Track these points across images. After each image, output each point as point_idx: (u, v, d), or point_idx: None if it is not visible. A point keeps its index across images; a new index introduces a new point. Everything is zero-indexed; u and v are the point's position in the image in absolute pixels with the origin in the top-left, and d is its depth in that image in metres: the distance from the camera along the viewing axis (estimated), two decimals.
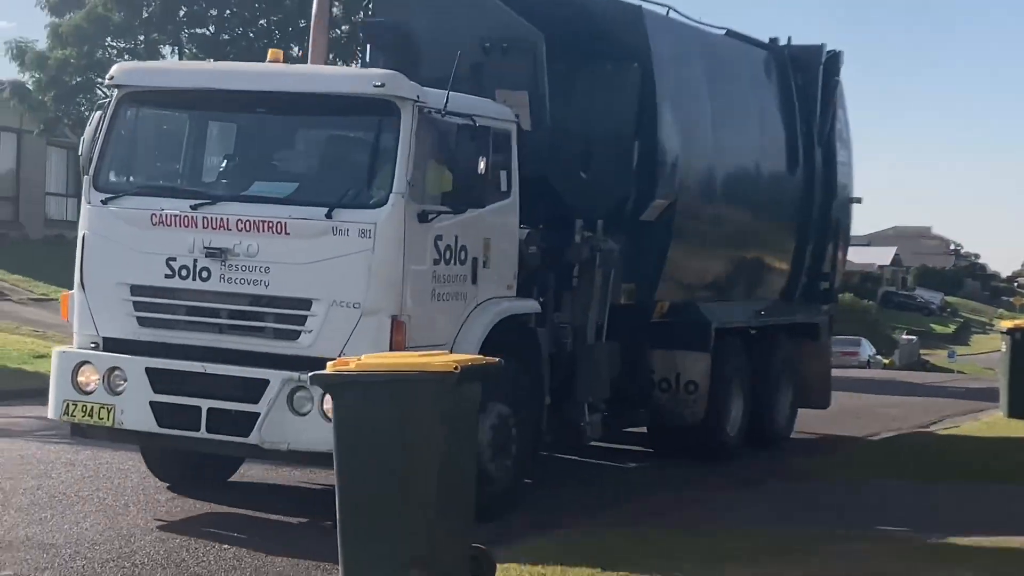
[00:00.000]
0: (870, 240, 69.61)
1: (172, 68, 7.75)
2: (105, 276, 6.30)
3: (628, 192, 8.07)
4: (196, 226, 6.05)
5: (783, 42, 10.43)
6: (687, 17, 9.27)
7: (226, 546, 5.75)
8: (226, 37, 22.78)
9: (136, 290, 6.19)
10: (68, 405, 6.24)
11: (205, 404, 5.96)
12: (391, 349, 5.64)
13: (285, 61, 7.81)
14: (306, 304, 5.91)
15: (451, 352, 5.74)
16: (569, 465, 8.69)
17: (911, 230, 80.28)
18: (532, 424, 6.88)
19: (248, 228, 5.96)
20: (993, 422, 13.21)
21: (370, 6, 16.53)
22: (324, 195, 6.09)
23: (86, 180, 6.57)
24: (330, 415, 4.94)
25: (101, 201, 6.36)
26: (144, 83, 6.68)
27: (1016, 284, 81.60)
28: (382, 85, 5.94)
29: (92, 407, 6.16)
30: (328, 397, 5.00)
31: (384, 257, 5.82)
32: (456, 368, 4.23)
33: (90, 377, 6.21)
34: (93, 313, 6.35)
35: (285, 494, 7.34)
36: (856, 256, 40.98)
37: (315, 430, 5.58)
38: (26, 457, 7.90)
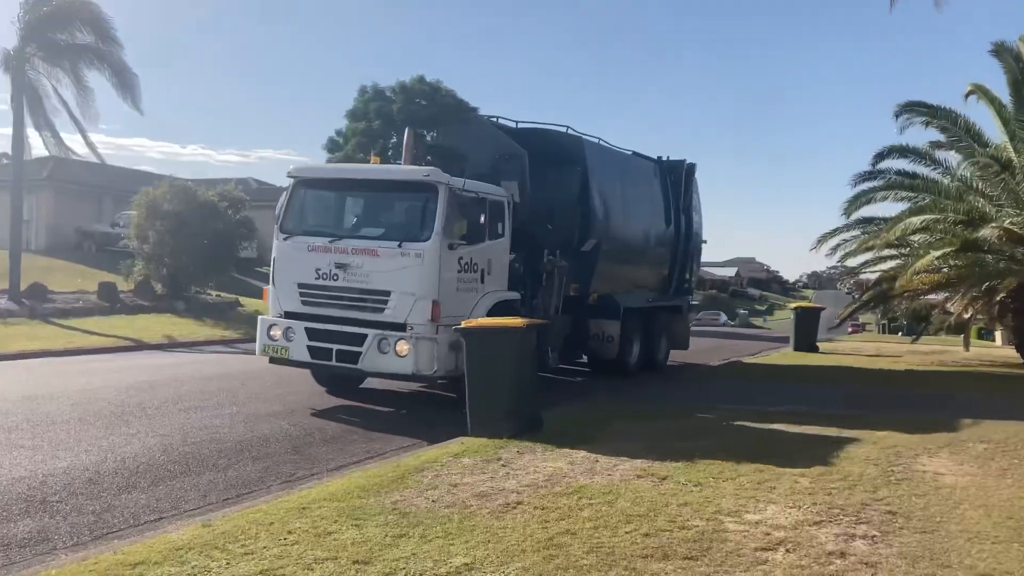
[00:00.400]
0: (725, 263, 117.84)
1: (321, 166, 12.06)
2: (285, 278, 11.21)
3: (573, 235, 13.96)
4: (331, 251, 10.83)
5: (664, 158, 17.45)
6: (610, 144, 15.72)
7: (346, 424, 10.21)
8: None
9: (301, 286, 11.02)
10: (265, 346, 11.23)
11: (335, 347, 10.71)
12: (431, 319, 10.30)
13: (382, 162, 13.42)
14: (387, 294, 10.54)
15: (469, 318, 10.33)
16: (545, 379, 13.13)
17: (745, 258, 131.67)
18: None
19: (357, 252, 10.71)
20: (786, 353, 20.81)
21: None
22: (398, 235, 10.78)
23: (276, 227, 11.39)
24: (401, 354, 10.23)
25: (283, 238, 11.30)
26: (305, 175, 11.85)
27: (798, 284, 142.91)
28: (428, 175, 10.82)
29: (278, 347, 11.09)
30: (400, 342, 10.28)
31: (428, 268, 10.46)
32: (524, 325, 9.16)
33: (276, 332, 11.09)
34: (279, 298, 11.24)
35: (386, 396, 12.52)
36: (717, 271, 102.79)
37: (391, 362, 10.42)
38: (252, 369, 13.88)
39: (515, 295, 11.99)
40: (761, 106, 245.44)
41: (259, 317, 11.54)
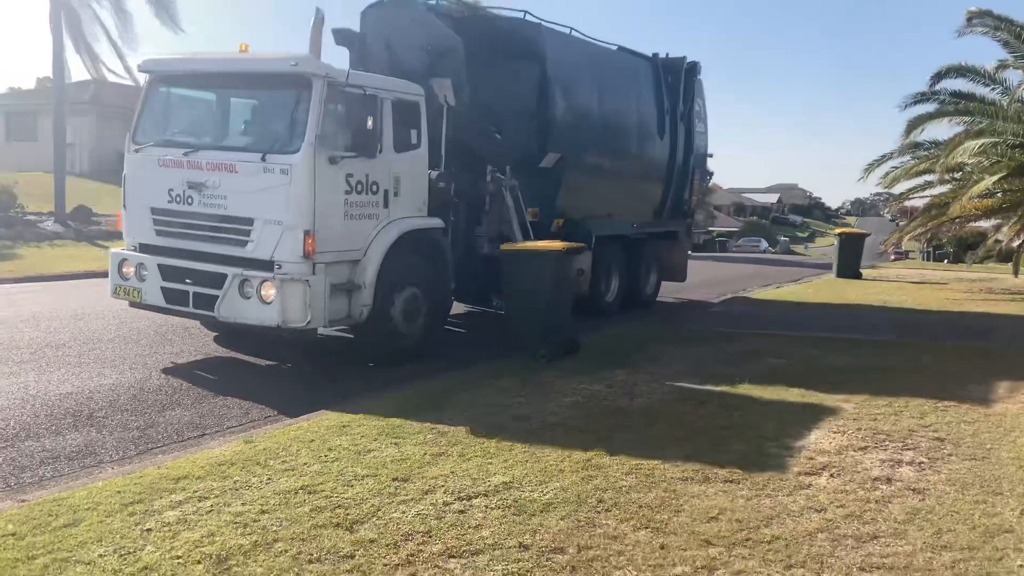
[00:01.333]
0: (766, 189, 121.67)
1: (175, 58, 9.15)
2: (137, 202, 8.70)
3: (530, 147, 11.20)
4: (183, 167, 8.21)
5: (662, 56, 14.40)
6: (585, 36, 12.66)
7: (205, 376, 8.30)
8: None
9: (154, 211, 8.49)
10: (117, 287, 8.78)
11: (191, 289, 8.20)
12: (304, 255, 7.72)
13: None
14: (249, 222, 7.91)
15: (365, 253, 8.33)
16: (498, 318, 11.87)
17: (787, 184, 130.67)
18: (438, 301, 9.38)
19: (213, 168, 8.05)
20: (829, 280, 20.71)
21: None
22: (263, 145, 8.03)
23: (128, 136, 8.87)
24: (266, 300, 7.71)
25: (134, 150, 8.72)
26: (158, 69, 8.98)
27: (841, 211, 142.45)
28: (295, 64, 7.95)
29: (130, 288, 8.64)
30: (266, 284, 7.71)
31: (297, 189, 7.73)
32: (564, 249, 9.02)
33: (127, 269, 8.66)
34: (131, 226, 8.79)
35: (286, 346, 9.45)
36: (758, 197, 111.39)
37: (254, 309, 7.85)
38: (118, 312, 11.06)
39: (435, 222, 9.40)
40: (811, 22, 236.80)
41: (111, 251, 9.14)
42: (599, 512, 4.68)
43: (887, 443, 6.15)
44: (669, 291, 15.87)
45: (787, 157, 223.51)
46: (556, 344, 9.04)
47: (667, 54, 14.48)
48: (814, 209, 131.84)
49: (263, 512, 4.53)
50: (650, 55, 14.26)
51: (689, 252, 16.04)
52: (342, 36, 10.40)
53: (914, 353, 9.98)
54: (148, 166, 8.51)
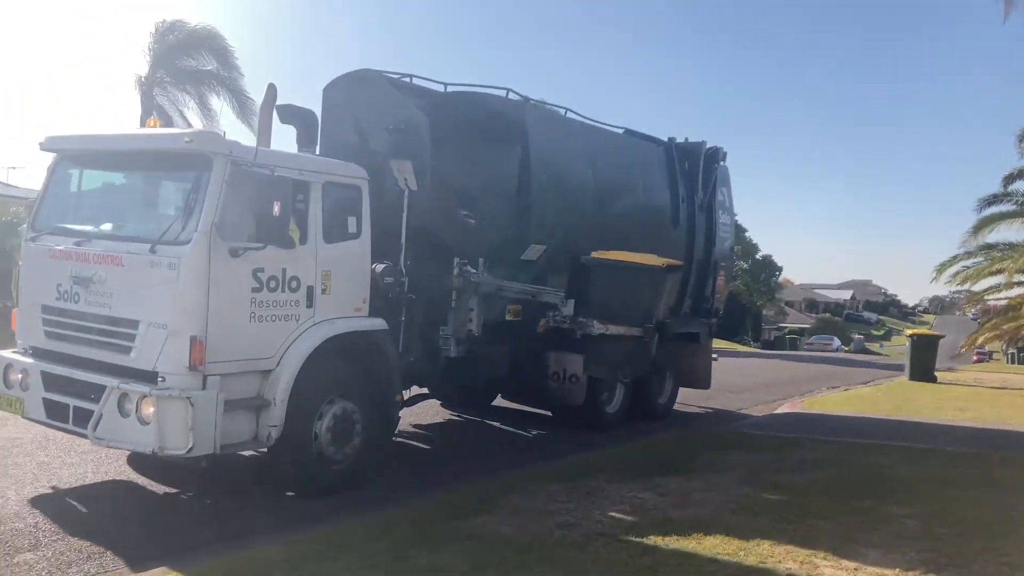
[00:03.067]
0: (839, 286, 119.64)
1: (74, 135, 8.02)
2: (28, 297, 7.57)
3: (510, 237, 10.01)
4: (72, 259, 7.07)
5: (679, 140, 13.17)
6: (584, 117, 11.52)
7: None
8: None
9: (44, 309, 7.33)
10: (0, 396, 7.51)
11: (72, 402, 6.90)
12: (190, 366, 6.40)
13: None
14: (134, 324, 6.67)
15: (279, 363, 6.97)
16: (481, 428, 11.67)
17: (861, 280, 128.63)
18: (379, 417, 7.97)
19: (99, 261, 6.91)
20: (901, 383, 20.49)
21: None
22: (154, 234, 6.83)
23: (27, 223, 7.94)
24: (144, 420, 6.33)
25: (31, 237, 7.63)
26: (57, 147, 7.86)
27: (918, 309, 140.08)
28: (191, 141, 6.87)
29: (12, 399, 7.37)
30: (145, 401, 6.31)
31: (187, 286, 6.49)
32: (664, 264, 9.61)
33: (13, 376, 7.42)
34: (22, 326, 7.64)
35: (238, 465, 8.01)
36: (830, 293, 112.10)
37: (131, 430, 6.45)
38: None
39: (376, 323, 8.02)
40: (877, 128, 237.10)
41: None
42: None
43: (950, 568, 5.81)
44: (723, 397, 15.50)
45: (861, 253, 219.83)
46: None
47: (686, 138, 13.35)
48: (890, 306, 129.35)
49: None
50: (662, 140, 13.13)
51: (714, 356, 14.45)
52: (289, 113, 9.09)
53: (987, 466, 9.50)
54: (42, 257, 7.41)
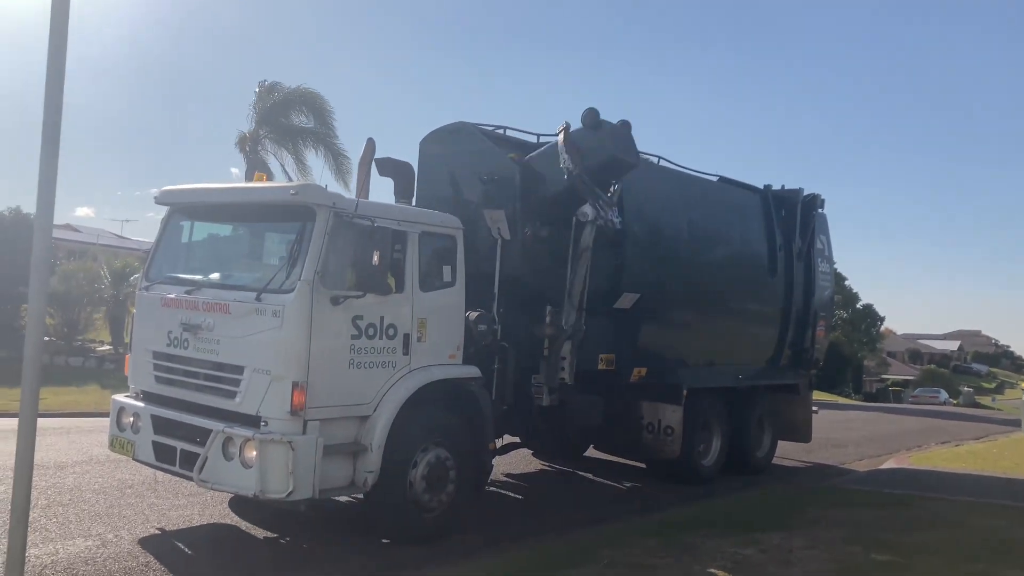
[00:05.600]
0: (945, 336, 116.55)
1: (189, 188, 8.23)
2: (141, 344, 7.85)
3: (603, 286, 9.84)
4: (183, 307, 7.33)
5: (775, 187, 13.10)
6: (677, 165, 11.58)
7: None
8: None
9: (155, 355, 7.60)
10: (113, 439, 7.84)
11: (179, 445, 7.12)
12: (292, 411, 6.55)
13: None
14: (239, 370, 6.85)
15: (376, 409, 7.08)
16: (573, 478, 11.60)
17: (969, 331, 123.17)
18: (472, 464, 7.97)
19: (208, 308, 7.15)
20: (1017, 438, 19.84)
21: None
22: (260, 282, 7.08)
23: (142, 273, 8.31)
24: (248, 464, 6.51)
25: (145, 287, 7.96)
26: (171, 200, 8.19)
27: None
28: (296, 193, 7.06)
29: (124, 441, 7.66)
30: (248, 445, 6.49)
31: (290, 333, 6.66)
32: None
33: (126, 418, 7.73)
34: (134, 371, 7.90)
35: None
36: (936, 344, 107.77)
37: (234, 474, 6.63)
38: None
39: (471, 370, 8.11)
40: (984, 168, 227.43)
41: (112, 397, 8.11)
42: None
43: None
44: (824, 451, 14.95)
45: (970, 301, 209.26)
46: None
47: (783, 186, 13.28)
48: (1002, 358, 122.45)
49: None
50: (758, 188, 13.00)
51: (815, 408, 14.18)
52: (386, 165, 9.38)
53: None
54: (154, 305, 7.71)
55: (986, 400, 67.66)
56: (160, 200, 8.23)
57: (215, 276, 7.75)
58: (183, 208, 8.18)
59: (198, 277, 7.70)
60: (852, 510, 9.45)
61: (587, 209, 8.89)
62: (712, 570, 6.74)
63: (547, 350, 9.22)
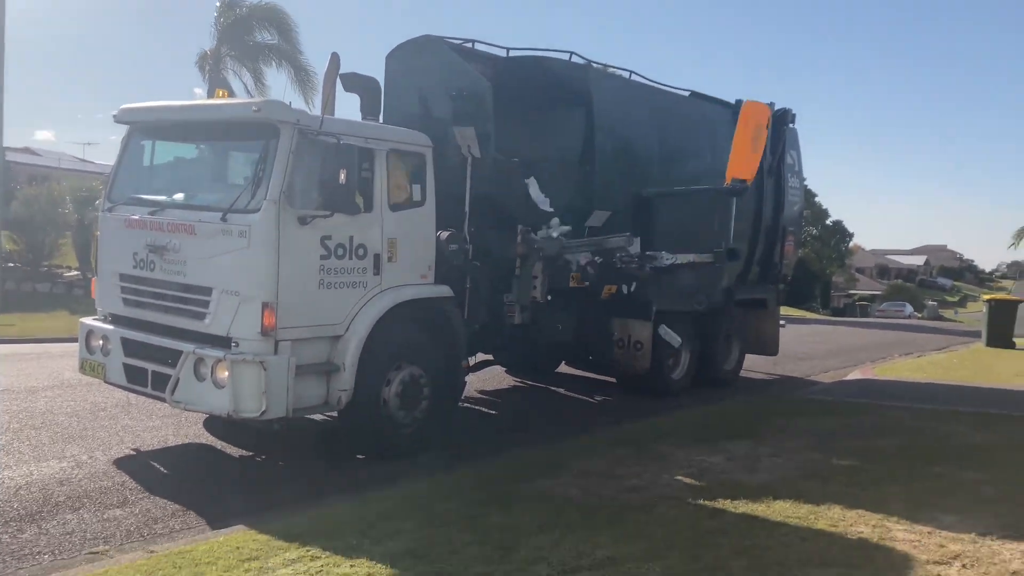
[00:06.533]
0: (912, 251, 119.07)
1: (148, 105, 7.97)
2: (107, 266, 7.83)
3: (575, 204, 9.93)
4: (147, 228, 7.27)
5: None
6: (649, 80, 11.54)
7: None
8: None
9: (121, 277, 7.59)
10: (83, 362, 7.85)
11: (150, 367, 7.13)
12: (262, 332, 6.56)
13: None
14: (207, 291, 6.85)
15: (348, 329, 7.10)
16: (546, 394, 11.71)
17: (935, 246, 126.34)
18: (446, 382, 8.09)
19: (173, 229, 7.08)
20: (976, 349, 20.35)
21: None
22: (225, 203, 6.87)
23: (104, 194, 8.16)
24: (221, 384, 6.54)
25: (107, 208, 7.88)
26: (132, 118, 7.97)
27: (995, 274, 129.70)
28: (259, 110, 6.91)
29: (95, 363, 7.67)
30: (219, 365, 6.50)
31: (257, 253, 6.62)
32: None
33: (95, 341, 7.73)
34: (102, 293, 7.90)
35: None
36: (903, 259, 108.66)
37: (208, 394, 6.67)
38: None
39: (442, 289, 8.12)
40: (952, 85, 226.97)
41: (80, 320, 8.10)
42: None
43: None
44: (791, 363, 15.27)
45: (936, 217, 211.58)
46: None
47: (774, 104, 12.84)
48: (965, 272, 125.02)
49: None
50: (732, 101, 12.69)
51: (782, 322, 14.29)
52: (352, 81, 9.07)
53: None
54: (118, 227, 7.64)
55: (949, 313, 69.27)
56: (119, 119, 8.01)
57: (179, 196, 7.61)
58: (143, 127, 7.99)
59: (162, 198, 7.57)
60: (817, 419, 9.71)
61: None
62: (680, 477, 6.93)
63: (519, 269, 9.24)
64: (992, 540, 5.49)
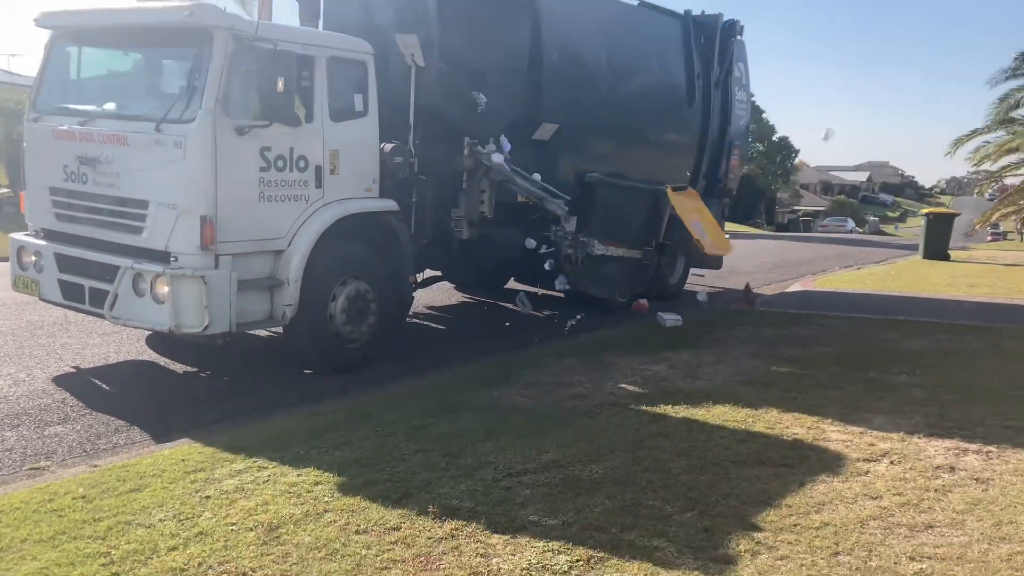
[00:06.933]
0: (855, 167, 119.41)
1: (73, 9, 7.68)
2: (36, 179, 7.49)
3: (521, 116, 9.77)
4: (77, 139, 6.94)
5: (695, 13, 12.66)
6: None
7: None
8: None
9: (52, 191, 7.25)
10: (16, 279, 7.61)
11: (87, 283, 6.94)
12: (202, 245, 6.39)
13: None
14: (144, 204, 6.61)
15: (291, 243, 6.98)
16: (494, 309, 11.64)
17: (877, 162, 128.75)
18: (393, 297, 8.06)
19: (104, 140, 6.78)
20: (914, 261, 20.92)
21: None
22: (159, 112, 6.59)
23: (29, 103, 7.72)
24: (161, 299, 6.41)
25: (34, 118, 7.48)
26: (55, 23, 7.57)
27: (935, 190, 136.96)
28: (190, 15, 6.55)
29: (27, 280, 7.46)
30: (159, 280, 6.36)
31: (194, 165, 6.40)
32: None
33: (27, 257, 7.48)
34: (32, 208, 7.57)
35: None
36: (846, 175, 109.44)
37: (148, 310, 6.53)
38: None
39: (387, 204, 7.93)
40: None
41: (10, 236, 7.80)
42: (646, 493, 4.67)
43: (955, 431, 5.94)
44: (735, 277, 15.55)
45: (878, 134, 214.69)
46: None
47: (703, 12, 12.83)
48: (906, 188, 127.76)
49: None
50: (681, 12, 12.57)
51: (727, 235, 13.59)
52: None
53: (996, 338, 9.59)
54: (46, 138, 7.28)
55: (890, 228, 71.25)
56: (40, 23, 7.57)
57: (110, 106, 7.30)
58: (67, 32, 7.58)
59: (92, 108, 7.25)
60: (757, 329, 9.95)
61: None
62: (624, 385, 7.08)
63: (466, 183, 9.07)
64: (919, 438, 5.75)
